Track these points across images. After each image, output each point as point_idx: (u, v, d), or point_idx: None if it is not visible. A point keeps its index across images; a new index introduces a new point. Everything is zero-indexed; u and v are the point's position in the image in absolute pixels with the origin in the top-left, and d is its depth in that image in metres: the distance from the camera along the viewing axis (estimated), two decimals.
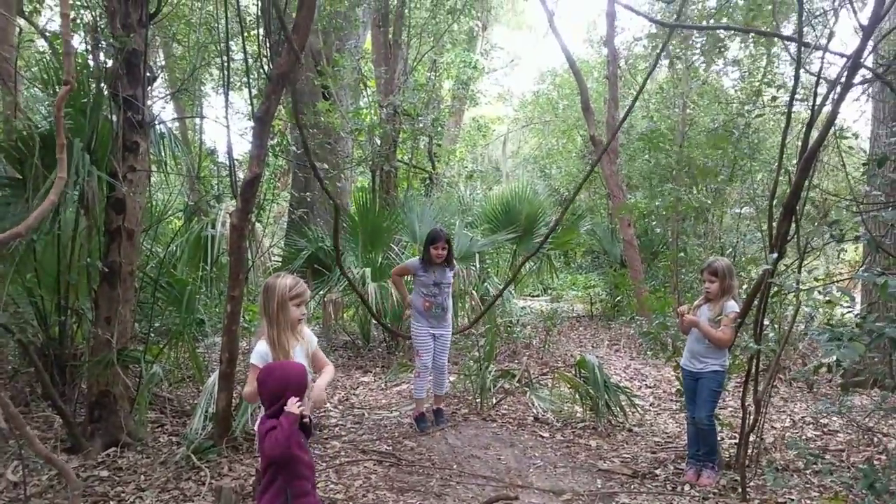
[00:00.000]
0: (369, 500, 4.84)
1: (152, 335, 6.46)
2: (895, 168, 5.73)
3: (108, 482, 5.09)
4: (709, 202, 9.62)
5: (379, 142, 12.37)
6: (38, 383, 6.16)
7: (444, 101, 18.07)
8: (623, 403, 6.88)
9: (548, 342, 10.63)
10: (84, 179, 5.01)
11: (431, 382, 6.84)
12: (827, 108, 4.06)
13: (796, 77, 4.03)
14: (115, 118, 5.68)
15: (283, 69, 4.91)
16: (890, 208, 3.59)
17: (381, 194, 12.14)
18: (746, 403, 5.04)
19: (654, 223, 12.39)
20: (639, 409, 7.23)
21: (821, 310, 5.28)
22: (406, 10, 13.07)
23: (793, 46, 5.38)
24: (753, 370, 4.69)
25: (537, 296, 17.81)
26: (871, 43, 3.83)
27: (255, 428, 3.70)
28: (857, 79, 4.01)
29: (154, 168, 6.34)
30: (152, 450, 5.69)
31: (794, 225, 4.06)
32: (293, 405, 3.18)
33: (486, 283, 10.90)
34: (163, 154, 6.58)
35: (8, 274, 5.30)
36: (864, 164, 4.09)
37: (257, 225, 8.25)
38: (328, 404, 7.47)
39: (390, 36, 12.86)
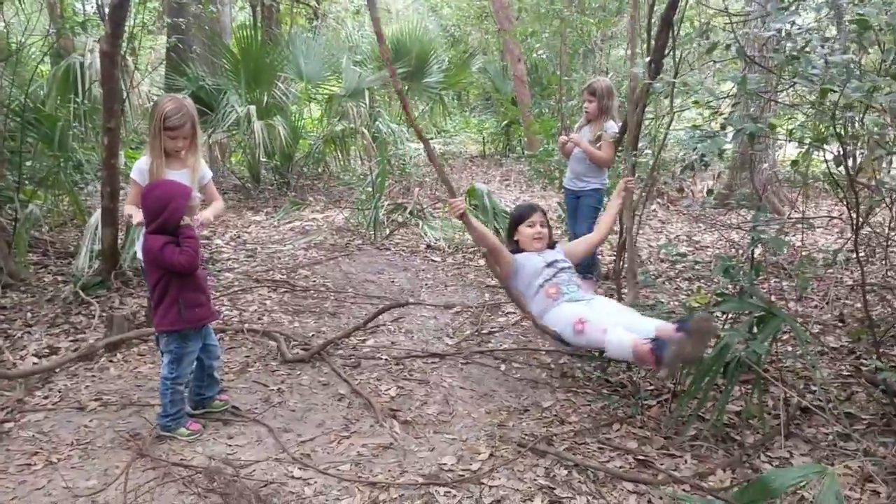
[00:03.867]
0: (264, 323, 4.95)
1: (26, 177, 6.14)
2: None
3: None
4: (596, 33, 9.67)
5: None
6: None
7: None
8: None
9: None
10: None
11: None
12: None
13: None
14: None
15: None
16: (760, 20, 3.72)
17: (263, 31, 11.57)
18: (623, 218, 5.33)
19: (542, 56, 12.40)
20: None
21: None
22: None
23: None
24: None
25: (431, 138, 17.82)
26: None
27: (138, 248, 3.67)
28: None
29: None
30: (37, 289, 5.56)
31: (670, 39, 4.17)
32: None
33: (377, 122, 10.81)
34: None
35: None
36: None
37: (129, 59, 7.78)
38: (219, 241, 7.43)
39: None
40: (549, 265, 3.89)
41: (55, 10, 9.32)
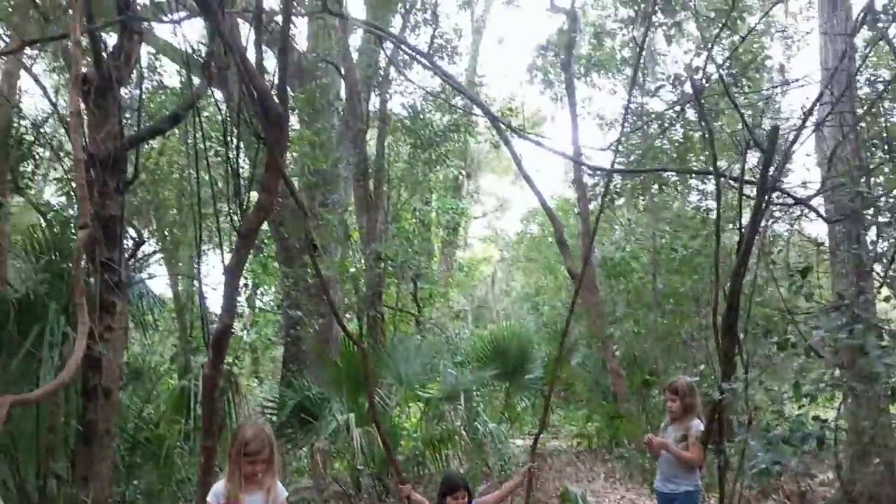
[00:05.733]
0: None
1: (136, 495, 6.45)
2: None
3: None
4: (684, 325, 9.80)
5: (364, 288, 12.70)
6: None
7: (432, 246, 18.66)
8: None
9: (540, 478, 10.46)
10: (60, 341, 5.21)
11: None
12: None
13: (718, 207, 4.35)
14: (93, 280, 5.97)
15: (250, 226, 5.23)
16: (819, 317, 3.78)
17: (368, 339, 12.34)
18: None
19: (637, 351, 12.51)
20: None
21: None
22: (384, 163, 13.79)
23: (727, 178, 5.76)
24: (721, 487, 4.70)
25: (536, 433, 17.56)
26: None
27: None
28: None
29: (133, 325, 6.58)
30: None
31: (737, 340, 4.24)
32: None
33: (475, 423, 10.86)
34: (143, 311, 6.84)
35: None
36: (790, 275, 4.33)
37: (239, 376, 8.40)
38: None
39: (370, 188, 13.51)
40: None
41: (185, 333, 10.39)
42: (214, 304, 17.67)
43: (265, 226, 15.52)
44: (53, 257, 5.98)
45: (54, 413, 6.04)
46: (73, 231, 6.17)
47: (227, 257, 5.61)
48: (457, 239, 22.91)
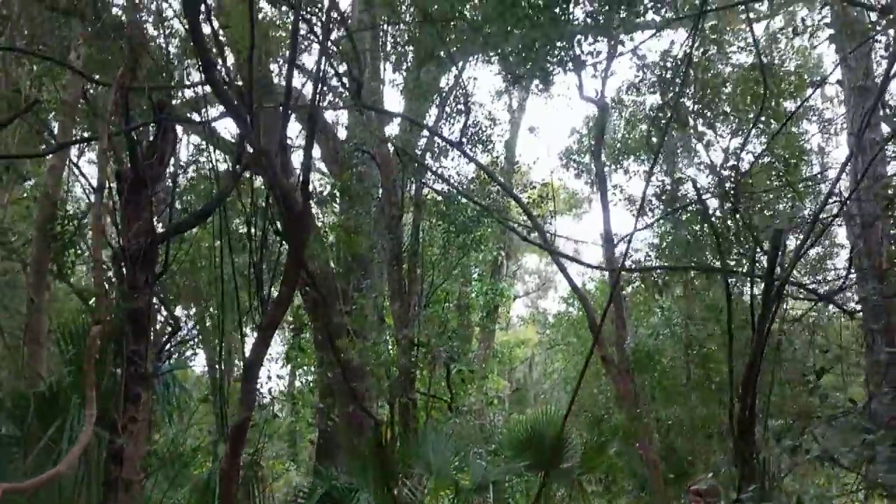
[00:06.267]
0: None
1: None
2: None
3: None
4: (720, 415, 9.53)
5: (396, 374, 12.67)
6: None
7: (469, 330, 18.61)
8: None
9: None
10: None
11: None
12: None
13: (728, 306, 4.30)
14: (118, 371, 6.09)
15: (270, 320, 5.33)
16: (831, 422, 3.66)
17: (399, 426, 12.23)
18: None
19: (677, 440, 12.16)
20: None
21: None
22: (419, 248, 13.94)
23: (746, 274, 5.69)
24: None
25: None
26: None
27: None
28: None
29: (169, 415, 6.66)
30: None
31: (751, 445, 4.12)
32: None
33: None
34: (170, 402, 6.92)
35: None
36: (804, 376, 4.19)
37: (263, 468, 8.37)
38: None
39: (404, 272, 13.62)
40: None
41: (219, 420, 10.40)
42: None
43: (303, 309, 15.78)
44: (81, 348, 6.12)
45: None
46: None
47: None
48: (496, 321, 22.83)
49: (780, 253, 3.96)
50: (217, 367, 7.64)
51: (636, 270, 9.70)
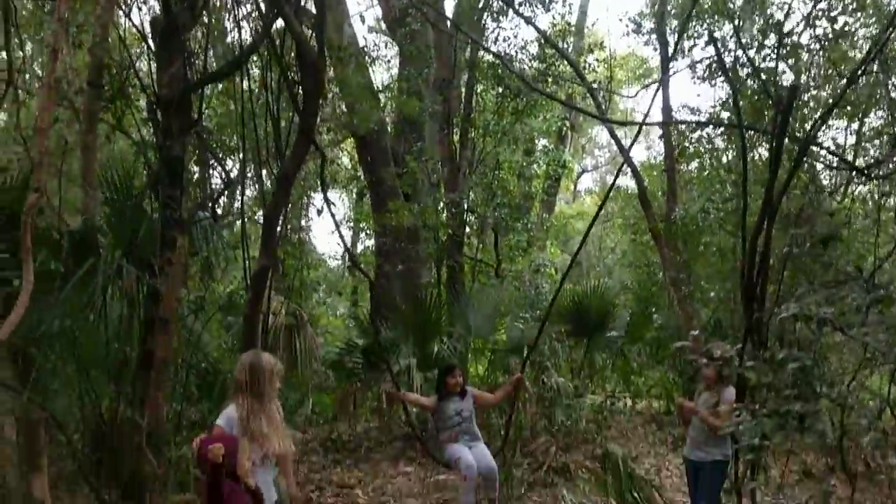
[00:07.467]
0: None
1: (192, 420, 6.88)
2: None
3: None
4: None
5: (444, 238, 12.81)
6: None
7: (525, 199, 18.49)
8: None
9: (601, 437, 10.38)
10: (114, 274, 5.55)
11: (483, 485, 6.31)
12: None
13: (744, 165, 4.09)
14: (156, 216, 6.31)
15: (287, 172, 5.38)
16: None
17: (445, 289, 12.49)
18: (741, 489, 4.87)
19: (723, 314, 12.06)
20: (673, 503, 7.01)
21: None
22: (472, 112, 13.73)
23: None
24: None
25: (620, 393, 17.36)
26: None
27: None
28: None
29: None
30: None
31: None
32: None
33: (542, 377, 10.85)
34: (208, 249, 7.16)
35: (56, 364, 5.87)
36: (810, 245, 3.99)
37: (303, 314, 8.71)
38: (359, 491, 7.66)
39: (455, 136, 13.52)
40: (458, 414, 6.39)
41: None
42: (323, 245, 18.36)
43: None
44: (122, 193, 6.33)
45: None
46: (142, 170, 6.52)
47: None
48: (557, 192, 22.62)
49: (791, 108, 3.72)
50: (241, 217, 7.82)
51: (653, 124, 9.33)
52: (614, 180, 8.83)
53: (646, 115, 6.83)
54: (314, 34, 5.01)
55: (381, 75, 18.82)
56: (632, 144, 7.18)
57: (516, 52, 13.82)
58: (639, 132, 7.10)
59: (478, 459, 6.17)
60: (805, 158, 3.92)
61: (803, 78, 8.56)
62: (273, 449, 3.93)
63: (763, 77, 4.42)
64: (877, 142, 10.18)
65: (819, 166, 8.03)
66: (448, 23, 13.54)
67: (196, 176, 10.88)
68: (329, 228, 54.56)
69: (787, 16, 7.45)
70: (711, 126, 8.65)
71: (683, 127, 11.47)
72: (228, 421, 3.96)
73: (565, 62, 13.28)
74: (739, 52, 7.56)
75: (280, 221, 6.00)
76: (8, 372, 5.80)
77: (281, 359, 9.05)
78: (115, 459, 6.43)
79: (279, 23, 6.07)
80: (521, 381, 6.94)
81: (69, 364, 6.39)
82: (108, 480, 6.38)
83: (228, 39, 9.81)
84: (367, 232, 21.34)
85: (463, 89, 14.33)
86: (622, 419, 12.65)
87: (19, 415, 5.93)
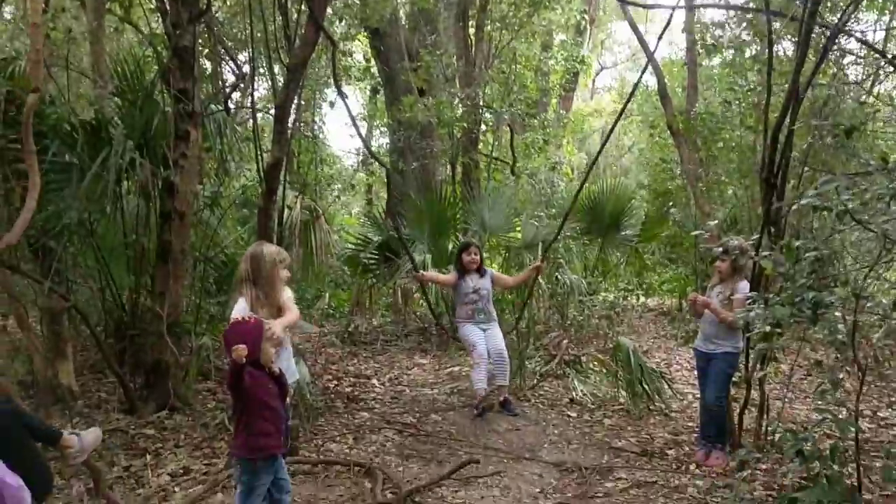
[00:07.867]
0: (377, 462, 5.11)
1: (210, 310, 7.00)
2: None
3: (152, 439, 5.62)
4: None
5: (458, 134, 12.65)
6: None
7: (541, 95, 18.11)
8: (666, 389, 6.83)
9: (612, 332, 10.53)
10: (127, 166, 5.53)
11: (493, 372, 6.46)
12: None
13: (770, 53, 3.94)
14: (169, 109, 6.24)
15: (298, 60, 5.26)
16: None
17: (461, 186, 12.42)
18: (751, 379, 4.96)
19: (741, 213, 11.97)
20: (682, 395, 7.15)
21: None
22: (487, 3, 13.29)
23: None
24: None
25: (632, 290, 17.51)
26: None
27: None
28: None
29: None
30: (198, 413, 6.19)
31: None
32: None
33: (556, 274, 10.93)
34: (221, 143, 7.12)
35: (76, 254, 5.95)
36: (834, 135, 3.91)
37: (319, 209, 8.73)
38: (375, 381, 7.86)
39: (470, 30, 13.13)
40: (475, 291, 6.55)
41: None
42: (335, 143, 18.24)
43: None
44: (133, 85, 6.25)
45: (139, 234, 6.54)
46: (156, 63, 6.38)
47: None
48: (574, 89, 22.13)
49: None
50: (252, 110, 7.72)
51: (668, 7, 8.96)
52: (639, 77, 8.52)
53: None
54: None
55: None
56: (660, 37, 6.88)
57: None
58: (666, 26, 6.82)
59: (489, 342, 6.44)
60: (833, 47, 3.77)
61: None
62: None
63: None
64: None
65: (846, 60, 7.73)
66: None
67: (208, 71, 10.68)
68: (342, 125, 53.81)
69: None
70: (737, 12, 8.29)
71: (707, 19, 11.04)
72: (242, 313, 4.03)
73: None
74: None
75: (292, 113, 5.90)
76: (30, 265, 5.91)
77: (297, 254, 9.18)
78: (138, 348, 6.63)
79: None
80: (541, 269, 7.10)
81: (88, 256, 6.50)
82: (131, 368, 6.60)
83: None
84: (382, 130, 21.10)
85: None
86: (634, 315, 12.79)
87: (43, 305, 6.08)
